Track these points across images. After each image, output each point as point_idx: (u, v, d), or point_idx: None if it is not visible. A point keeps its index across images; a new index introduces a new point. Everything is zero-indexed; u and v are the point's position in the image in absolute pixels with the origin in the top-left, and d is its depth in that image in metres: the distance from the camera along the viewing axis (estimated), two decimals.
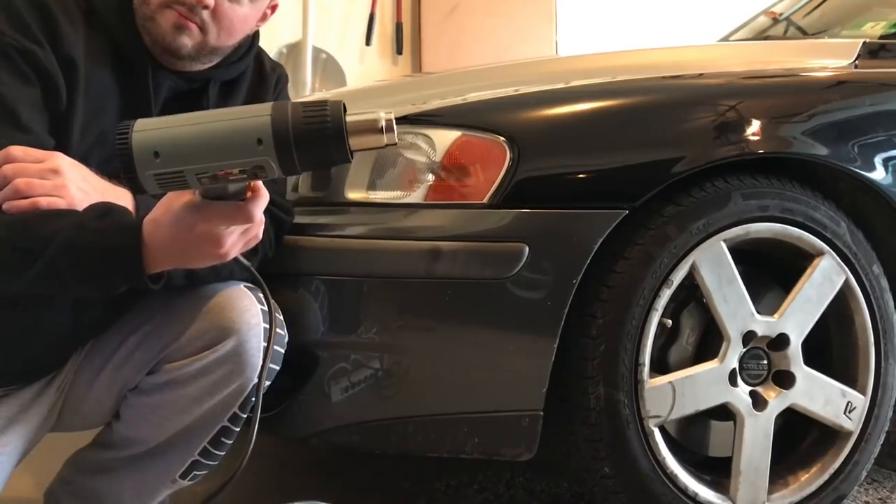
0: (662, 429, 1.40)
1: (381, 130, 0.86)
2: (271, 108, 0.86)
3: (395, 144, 0.87)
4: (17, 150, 1.04)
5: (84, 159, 1.12)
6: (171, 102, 1.22)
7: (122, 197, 1.08)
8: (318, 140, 0.85)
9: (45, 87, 1.10)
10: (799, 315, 1.45)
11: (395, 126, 0.86)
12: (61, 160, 1.06)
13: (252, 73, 1.32)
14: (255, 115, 0.86)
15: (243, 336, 1.16)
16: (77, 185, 1.06)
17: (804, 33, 2.28)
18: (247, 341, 1.16)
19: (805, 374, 1.46)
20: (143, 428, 1.22)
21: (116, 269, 1.02)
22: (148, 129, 0.86)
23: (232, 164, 0.86)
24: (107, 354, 1.22)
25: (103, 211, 1.02)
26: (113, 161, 1.15)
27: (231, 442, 1.25)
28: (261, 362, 1.17)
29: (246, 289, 1.20)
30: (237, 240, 1.00)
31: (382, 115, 0.86)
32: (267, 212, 1.03)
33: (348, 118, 0.86)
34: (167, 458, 1.23)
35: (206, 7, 1.14)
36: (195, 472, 1.26)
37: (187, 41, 1.16)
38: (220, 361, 1.16)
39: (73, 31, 1.13)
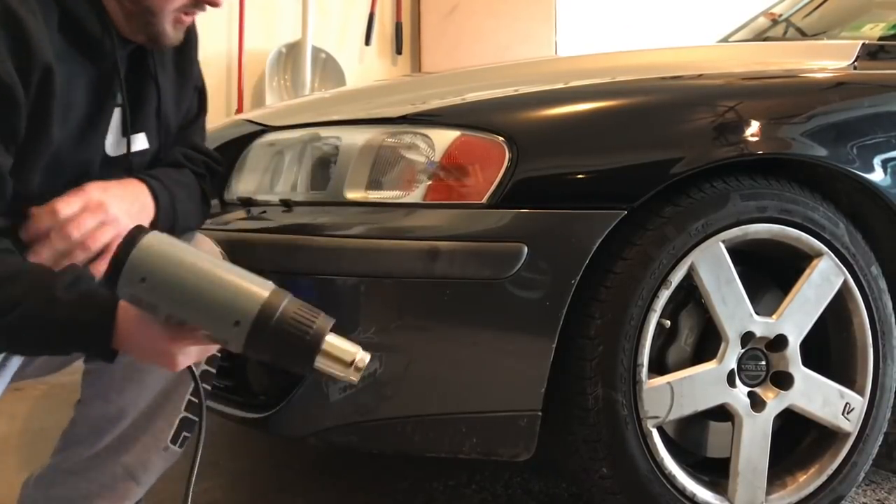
0: (661, 429, 1.40)
1: (350, 365, 0.89)
2: (267, 296, 0.87)
3: (354, 384, 0.91)
4: (62, 206, 1.07)
5: (58, 150, 1.11)
6: (129, 73, 1.21)
7: (140, 195, 1.15)
8: (289, 348, 0.87)
9: (10, 100, 1.05)
10: (797, 316, 1.45)
11: (364, 367, 0.89)
12: (105, 201, 1.10)
13: None
14: (249, 296, 0.87)
15: None
16: (125, 213, 1.11)
17: (803, 34, 2.28)
18: None
19: (803, 375, 1.46)
20: (126, 393, 1.20)
21: (81, 344, 1.01)
22: (149, 255, 0.87)
23: (203, 327, 0.89)
24: None
25: (72, 280, 0.99)
26: (86, 147, 1.15)
27: (210, 387, 1.25)
28: None
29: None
30: (193, 358, 1.00)
31: (359, 355, 0.89)
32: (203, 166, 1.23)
33: (328, 341, 0.88)
34: (153, 426, 1.22)
35: (219, 7, 1.16)
36: (185, 434, 1.24)
37: (181, 35, 1.19)
38: None
39: (45, 33, 1.08)
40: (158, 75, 1.24)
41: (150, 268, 0.87)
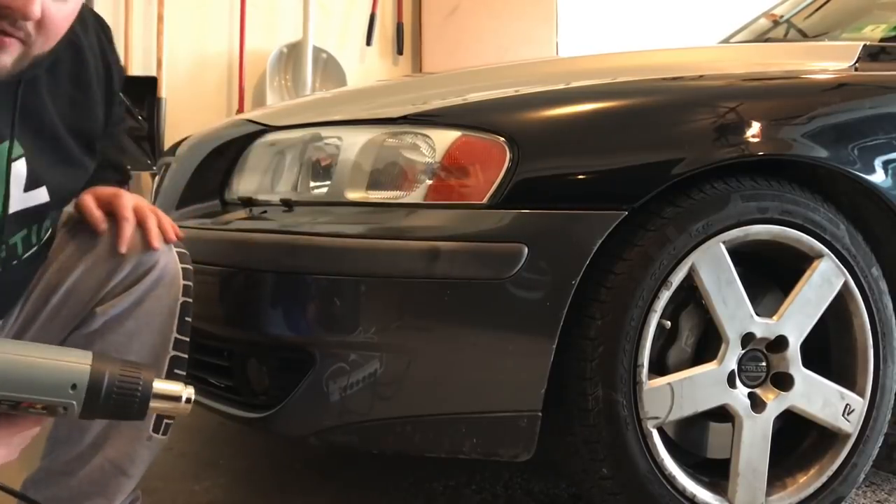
0: (661, 430, 1.40)
1: (178, 399, 0.96)
2: (93, 357, 0.92)
3: (185, 414, 0.97)
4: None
5: None
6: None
7: None
8: (126, 401, 0.93)
9: None
10: (798, 317, 1.45)
11: (193, 398, 0.96)
12: None
13: (69, 52, 1.17)
14: (76, 360, 0.92)
15: (163, 261, 1.21)
16: None
17: (804, 36, 2.28)
18: (167, 264, 1.22)
19: (804, 377, 1.46)
20: None
21: None
22: None
23: (39, 400, 0.91)
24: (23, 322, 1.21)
25: None
26: None
27: (185, 372, 1.24)
28: (182, 283, 1.23)
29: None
30: (14, 449, 0.98)
31: (184, 393, 0.96)
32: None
33: (156, 386, 0.94)
34: None
35: (30, 20, 0.98)
36: (166, 422, 1.24)
37: (7, 59, 1.00)
38: (150, 289, 1.20)
39: None
40: (48, 105, 1.12)
41: None
